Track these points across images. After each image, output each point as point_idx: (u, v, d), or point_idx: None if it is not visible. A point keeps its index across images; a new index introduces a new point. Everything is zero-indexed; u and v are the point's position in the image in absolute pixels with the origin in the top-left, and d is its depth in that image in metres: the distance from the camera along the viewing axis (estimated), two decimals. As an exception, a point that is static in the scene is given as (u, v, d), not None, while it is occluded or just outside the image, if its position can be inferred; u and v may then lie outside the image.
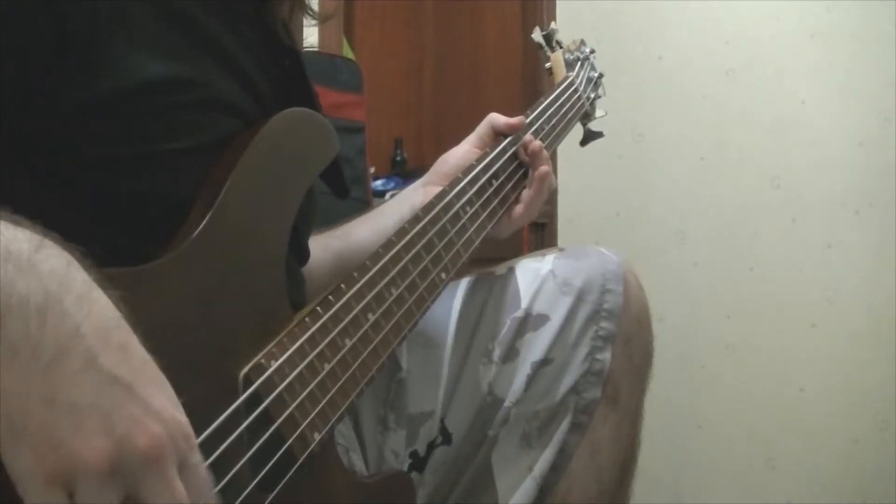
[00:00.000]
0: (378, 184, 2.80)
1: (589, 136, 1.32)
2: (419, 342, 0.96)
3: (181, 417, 0.50)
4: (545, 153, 1.03)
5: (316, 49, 2.16)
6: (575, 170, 2.67)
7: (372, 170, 2.32)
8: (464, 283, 1.00)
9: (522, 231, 2.43)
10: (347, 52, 2.49)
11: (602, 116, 1.32)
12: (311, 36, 2.13)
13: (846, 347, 2.27)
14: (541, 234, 2.67)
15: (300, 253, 0.86)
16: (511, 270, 0.99)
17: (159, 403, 0.49)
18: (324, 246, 0.99)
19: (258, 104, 0.75)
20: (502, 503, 0.94)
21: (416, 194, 1.00)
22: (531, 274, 0.98)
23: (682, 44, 2.51)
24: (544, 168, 1.01)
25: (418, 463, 0.95)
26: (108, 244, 0.63)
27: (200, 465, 0.51)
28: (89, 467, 0.45)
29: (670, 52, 2.52)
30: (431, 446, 0.95)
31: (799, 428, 2.30)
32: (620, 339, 0.95)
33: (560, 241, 2.67)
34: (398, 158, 3.04)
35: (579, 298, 0.95)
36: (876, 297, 2.24)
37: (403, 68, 3.29)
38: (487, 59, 3.16)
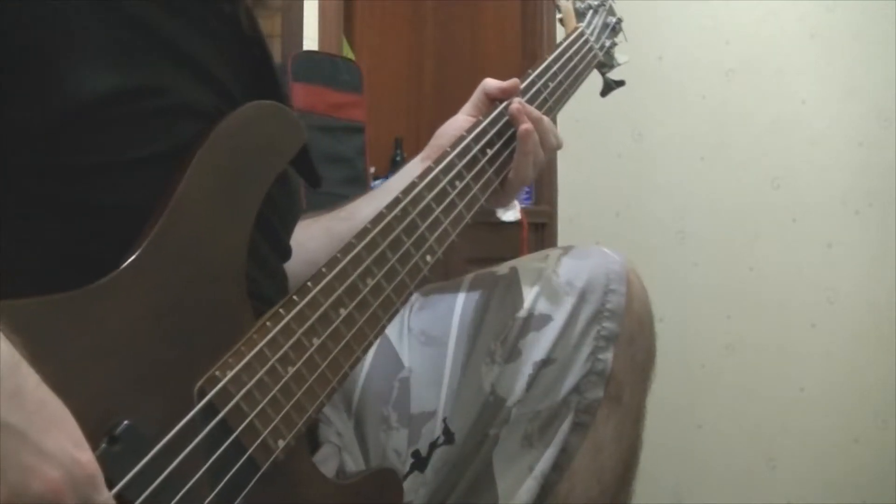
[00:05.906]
0: (378, 184, 2.79)
1: (609, 86, 1.23)
2: (422, 341, 0.96)
3: (83, 457, 0.49)
4: (529, 110, 0.97)
5: (315, 48, 2.16)
6: (574, 169, 2.67)
7: (372, 170, 2.32)
8: (466, 283, 1.00)
9: (522, 231, 2.43)
10: (347, 52, 2.48)
11: (626, 63, 1.22)
12: (310, 32, 2.13)
13: (846, 347, 2.26)
14: (541, 234, 2.67)
15: (280, 249, 0.85)
16: (514, 270, 0.99)
17: (56, 446, 0.48)
18: (327, 229, 0.97)
19: (224, 100, 0.73)
20: (503, 503, 0.94)
21: (417, 169, 0.94)
22: (534, 274, 0.97)
23: (682, 44, 2.51)
24: (524, 126, 0.95)
25: (420, 462, 0.94)
26: (74, 257, 0.64)
27: (109, 502, 0.51)
28: None
29: (670, 52, 2.52)
30: (433, 446, 0.95)
31: (799, 428, 2.30)
32: (623, 339, 0.95)
33: (560, 241, 2.67)
34: (398, 158, 3.03)
35: (582, 298, 0.95)
36: (876, 297, 2.23)
37: (403, 68, 3.29)
38: (487, 59, 3.17)
